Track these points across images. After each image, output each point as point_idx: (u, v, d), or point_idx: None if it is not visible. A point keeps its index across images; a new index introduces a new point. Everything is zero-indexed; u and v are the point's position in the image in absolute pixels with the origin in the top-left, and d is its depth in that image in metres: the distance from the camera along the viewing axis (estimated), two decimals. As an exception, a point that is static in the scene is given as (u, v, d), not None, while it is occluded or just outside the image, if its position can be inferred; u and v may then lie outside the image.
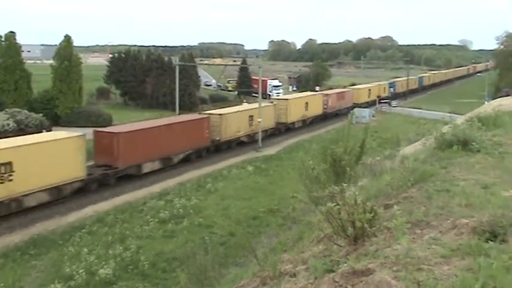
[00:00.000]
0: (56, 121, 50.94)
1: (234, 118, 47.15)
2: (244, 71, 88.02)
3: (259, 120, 48.62)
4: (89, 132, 35.23)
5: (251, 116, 49.34)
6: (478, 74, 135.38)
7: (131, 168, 35.84)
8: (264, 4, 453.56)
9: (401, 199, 7.84)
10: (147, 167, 37.10)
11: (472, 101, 70.36)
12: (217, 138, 44.81)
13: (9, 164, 26.66)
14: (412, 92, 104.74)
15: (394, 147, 24.86)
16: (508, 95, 38.37)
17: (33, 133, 35.86)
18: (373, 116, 68.18)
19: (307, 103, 61.91)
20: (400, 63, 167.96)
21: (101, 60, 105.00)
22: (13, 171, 26.78)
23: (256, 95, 58.11)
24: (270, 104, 56.20)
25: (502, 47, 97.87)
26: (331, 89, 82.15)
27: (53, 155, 29.16)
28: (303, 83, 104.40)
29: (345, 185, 7.78)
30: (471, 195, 7.08)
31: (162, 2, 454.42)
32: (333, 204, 6.17)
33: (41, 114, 47.36)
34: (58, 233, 26.45)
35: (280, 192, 33.83)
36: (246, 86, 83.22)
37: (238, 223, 28.59)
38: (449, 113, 61.60)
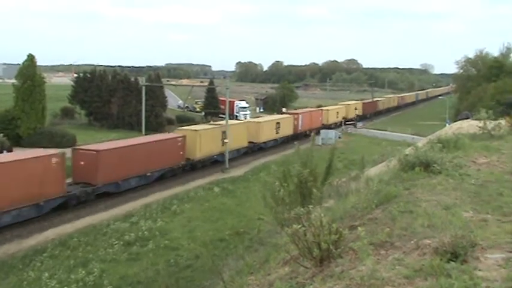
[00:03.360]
0: (17, 142, 49.70)
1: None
2: (211, 92, 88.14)
3: (227, 140, 48.64)
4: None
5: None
6: (440, 97, 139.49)
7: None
8: (230, 26, 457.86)
9: (366, 220, 7.96)
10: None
11: (434, 123, 72.24)
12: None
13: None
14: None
15: (360, 169, 25.18)
16: (467, 118, 39.47)
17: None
18: (339, 137, 69.11)
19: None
20: (365, 86, 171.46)
21: (66, 80, 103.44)
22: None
23: (224, 116, 58.24)
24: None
25: (461, 71, 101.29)
26: (296, 109, 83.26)
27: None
28: (269, 105, 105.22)
29: (311, 206, 7.86)
30: (433, 216, 7.25)
31: (127, 22, 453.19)
32: (299, 226, 6.22)
33: (1, 135, 46.17)
34: (18, 257, 25.60)
35: (247, 214, 33.72)
36: (213, 107, 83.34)
37: (205, 245, 28.29)
38: (413, 135, 63.26)
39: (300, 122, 67.24)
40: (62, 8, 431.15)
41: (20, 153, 34.14)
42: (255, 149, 56.87)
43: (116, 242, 28.05)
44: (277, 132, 61.61)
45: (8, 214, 28.25)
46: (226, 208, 36.39)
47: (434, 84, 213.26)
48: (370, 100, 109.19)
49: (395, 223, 7.30)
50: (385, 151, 17.17)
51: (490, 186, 9.31)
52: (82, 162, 34.67)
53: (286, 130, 63.66)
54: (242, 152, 54.23)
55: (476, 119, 21.66)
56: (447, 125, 51.59)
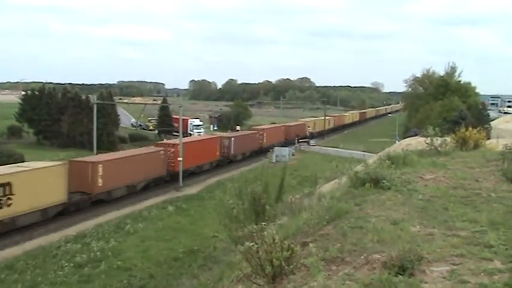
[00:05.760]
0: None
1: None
2: (164, 110, 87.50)
3: (180, 159, 48.26)
4: None
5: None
6: (389, 115, 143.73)
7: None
8: (183, 44, 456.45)
9: (318, 236, 8.08)
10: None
11: (384, 140, 74.08)
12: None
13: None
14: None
15: (313, 186, 25.54)
16: (416, 135, 40.80)
17: None
18: (292, 154, 69.72)
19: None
20: (318, 104, 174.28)
21: (13, 98, 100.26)
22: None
23: (177, 134, 57.85)
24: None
25: (410, 89, 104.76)
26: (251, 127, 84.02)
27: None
28: (224, 123, 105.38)
29: (264, 223, 7.93)
30: (382, 231, 7.45)
31: (78, 39, 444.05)
32: (252, 244, 6.26)
33: None
34: (-41, 283, 24.44)
35: (201, 232, 33.46)
36: (167, 125, 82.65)
37: (159, 265, 27.87)
38: (364, 151, 64.65)
39: (343, 119, 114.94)
40: (8, 23, 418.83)
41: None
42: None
43: (67, 264, 27.18)
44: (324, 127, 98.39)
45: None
46: (180, 227, 35.99)
47: (384, 102, 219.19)
48: (364, 111, 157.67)
49: (346, 239, 7.46)
50: (337, 168, 17.54)
51: (436, 201, 9.66)
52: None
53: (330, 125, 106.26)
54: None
55: (424, 136, 22.44)
56: (397, 142, 53.11)
